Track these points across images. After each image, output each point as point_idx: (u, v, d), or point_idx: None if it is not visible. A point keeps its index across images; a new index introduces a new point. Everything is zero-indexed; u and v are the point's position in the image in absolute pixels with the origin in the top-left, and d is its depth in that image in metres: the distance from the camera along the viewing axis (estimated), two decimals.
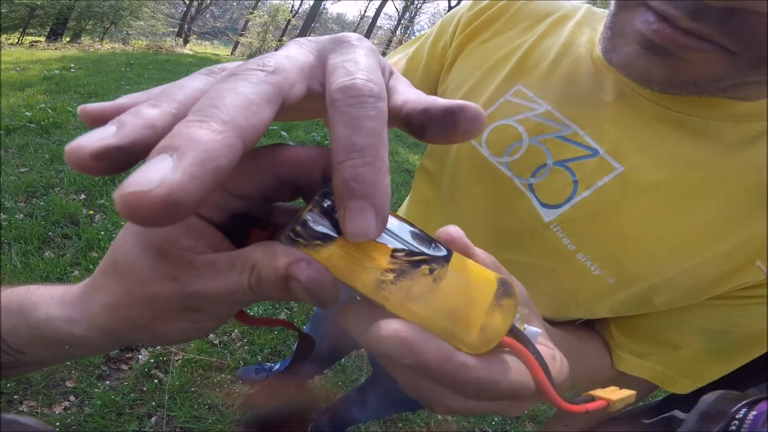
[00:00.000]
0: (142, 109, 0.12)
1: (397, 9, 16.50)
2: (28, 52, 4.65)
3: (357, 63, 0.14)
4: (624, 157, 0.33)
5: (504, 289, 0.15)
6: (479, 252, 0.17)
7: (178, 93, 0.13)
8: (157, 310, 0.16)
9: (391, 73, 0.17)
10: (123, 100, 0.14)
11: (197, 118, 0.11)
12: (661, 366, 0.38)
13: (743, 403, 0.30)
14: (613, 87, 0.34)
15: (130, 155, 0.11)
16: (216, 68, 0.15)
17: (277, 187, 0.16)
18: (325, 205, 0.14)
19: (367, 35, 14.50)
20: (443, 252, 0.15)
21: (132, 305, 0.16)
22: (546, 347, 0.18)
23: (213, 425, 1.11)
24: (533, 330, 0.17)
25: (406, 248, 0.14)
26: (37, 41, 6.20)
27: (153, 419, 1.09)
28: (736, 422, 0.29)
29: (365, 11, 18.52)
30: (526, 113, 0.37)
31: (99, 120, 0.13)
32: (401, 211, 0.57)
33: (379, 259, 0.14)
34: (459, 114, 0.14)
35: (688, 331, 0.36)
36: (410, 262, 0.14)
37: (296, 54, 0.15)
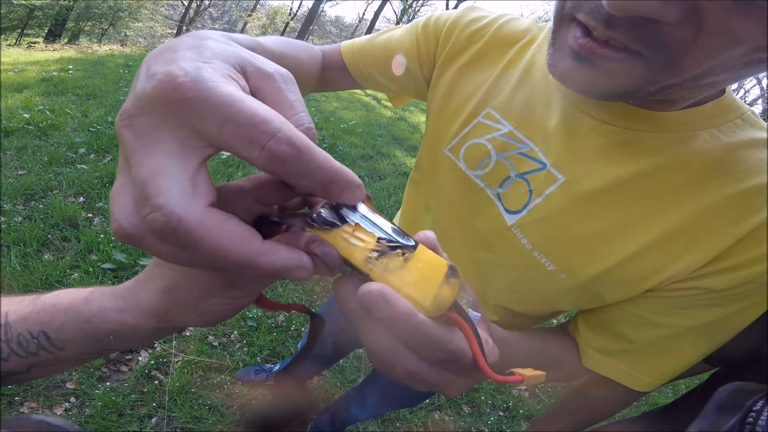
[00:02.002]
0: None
1: (395, 12, 16.60)
2: (26, 53, 4.64)
3: (240, 114, 0.15)
4: (565, 169, 0.38)
5: (452, 272, 0.20)
6: (443, 253, 0.22)
7: None
8: (205, 289, 0.20)
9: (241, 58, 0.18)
10: None
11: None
12: (624, 364, 0.41)
13: (760, 395, 0.31)
14: (560, 105, 0.39)
15: None
16: None
17: (289, 198, 0.21)
18: (333, 203, 0.20)
19: None
20: (412, 243, 0.20)
21: (184, 286, 0.20)
22: (482, 333, 0.22)
23: (213, 425, 1.13)
24: (474, 314, 0.22)
25: (387, 237, 0.20)
26: (35, 42, 6.17)
27: (153, 420, 1.10)
28: (753, 414, 0.30)
29: (363, 14, 18.59)
30: (494, 133, 0.43)
31: None
32: (396, 216, 0.63)
33: (368, 243, 0.19)
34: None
35: (638, 325, 0.39)
36: (389, 246, 0.20)
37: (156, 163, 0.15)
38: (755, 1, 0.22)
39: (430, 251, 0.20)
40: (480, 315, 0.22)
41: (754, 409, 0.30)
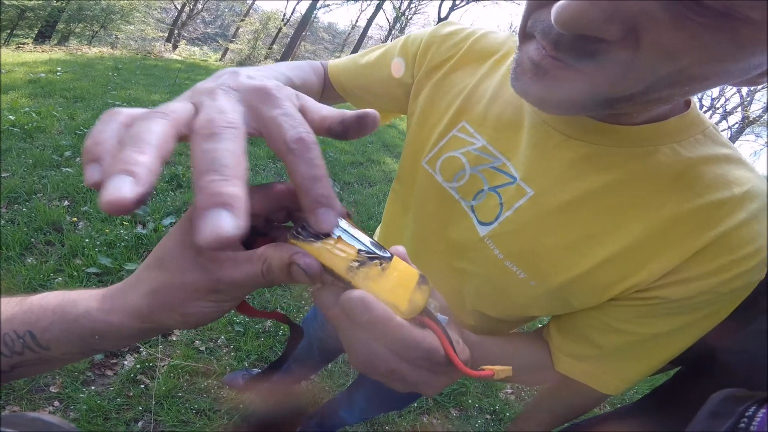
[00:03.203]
0: (138, 157, 0.16)
1: (388, 19, 16.76)
2: (14, 54, 4.57)
3: (294, 117, 0.20)
4: (534, 183, 0.40)
5: (422, 280, 0.23)
6: (413, 264, 0.25)
7: (150, 138, 0.17)
8: (190, 292, 0.22)
9: (298, 96, 0.23)
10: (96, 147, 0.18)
11: (221, 178, 0.16)
12: (593, 368, 0.43)
13: (752, 401, 0.32)
14: (530, 120, 0.41)
15: (148, 195, 0.16)
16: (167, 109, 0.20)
17: (276, 210, 0.23)
18: None
19: (358, 45, 14.65)
20: (388, 255, 0.23)
21: (171, 289, 0.22)
22: (452, 334, 0.24)
23: (200, 429, 1.12)
24: (442, 317, 0.25)
25: (366, 249, 0.22)
26: (24, 43, 6.07)
27: (140, 423, 1.09)
28: (745, 420, 0.31)
29: (357, 21, 18.74)
30: (468, 147, 0.44)
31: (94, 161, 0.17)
32: (379, 226, 0.66)
33: (349, 254, 0.22)
34: (367, 117, 0.22)
35: (606, 331, 0.41)
36: (368, 257, 0.22)
37: (234, 107, 0.20)
38: (688, 15, 0.23)
39: (403, 262, 0.23)
40: (448, 318, 0.25)
41: (746, 414, 0.31)
